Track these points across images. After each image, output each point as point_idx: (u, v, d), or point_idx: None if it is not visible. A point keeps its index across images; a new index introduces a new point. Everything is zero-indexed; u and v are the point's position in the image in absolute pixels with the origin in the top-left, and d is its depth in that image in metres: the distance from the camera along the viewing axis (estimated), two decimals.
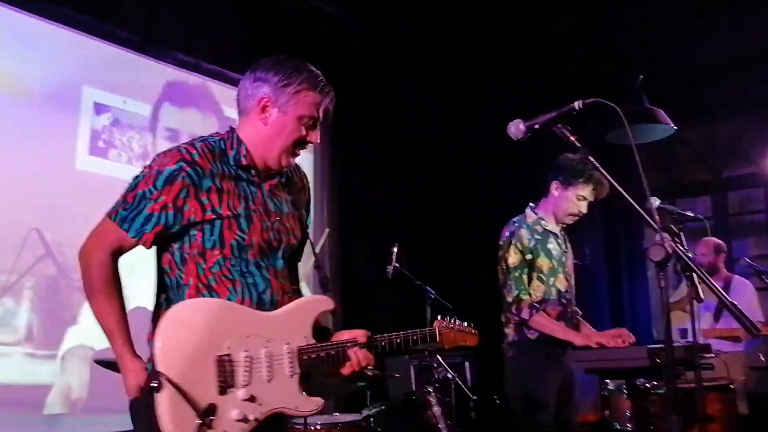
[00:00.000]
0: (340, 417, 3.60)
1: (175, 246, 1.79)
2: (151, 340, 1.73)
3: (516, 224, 3.17)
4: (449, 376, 3.94)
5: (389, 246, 4.04)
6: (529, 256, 3.11)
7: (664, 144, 5.01)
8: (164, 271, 1.81)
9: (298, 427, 3.27)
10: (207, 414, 1.62)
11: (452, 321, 2.01)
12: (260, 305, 1.79)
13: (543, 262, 3.14)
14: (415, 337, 1.92)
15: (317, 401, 1.82)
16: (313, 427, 3.39)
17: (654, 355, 2.62)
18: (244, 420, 1.67)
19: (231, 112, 3.97)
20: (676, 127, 3.92)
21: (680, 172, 6.34)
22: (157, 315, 1.79)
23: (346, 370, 1.85)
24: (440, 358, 3.96)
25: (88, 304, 1.77)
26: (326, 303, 1.88)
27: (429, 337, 1.95)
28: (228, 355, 1.69)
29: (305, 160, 5.26)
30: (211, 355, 1.68)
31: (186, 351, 1.67)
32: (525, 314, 3.06)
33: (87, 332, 3.87)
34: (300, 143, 1.86)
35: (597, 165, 1.97)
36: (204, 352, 1.68)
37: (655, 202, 2.36)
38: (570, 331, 3.05)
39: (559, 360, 3.10)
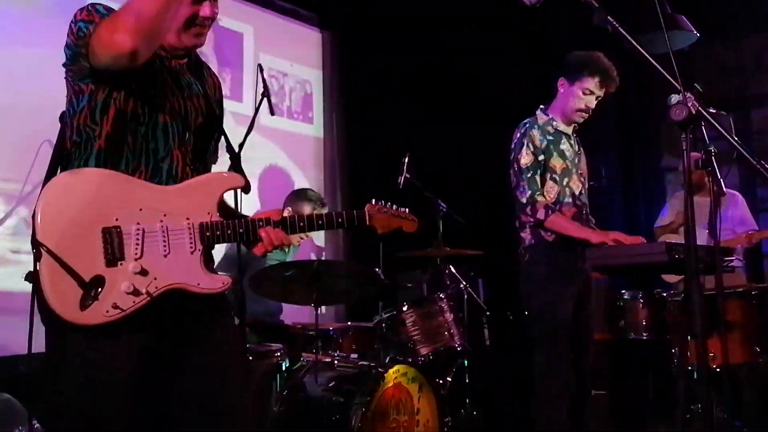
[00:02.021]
0: (352, 323, 3.57)
1: (85, 102, 1.70)
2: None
3: (527, 125, 3.08)
4: (462, 286, 3.87)
5: (400, 157, 3.92)
6: (541, 157, 3.02)
7: (686, 56, 4.78)
8: (68, 138, 1.72)
9: (311, 332, 3.23)
10: (93, 285, 1.56)
11: (386, 205, 1.91)
12: (156, 173, 1.71)
13: (556, 162, 3.05)
14: (340, 219, 1.84)
15: (223, 279, 1.73)
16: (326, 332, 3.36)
17: (672, 251, 2.51)
18: (135, 293, 1.60)
19: None
20: (698, 34, 3.73)
21: (702, 86, 6.09)
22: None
23: (258, 249, 1.79)
24: (453, 269, 3.89)
25: None
26: (234, 179, 1.79)
27: (357, 220, 1.86)
28: (116, 227, 1.63)
29: (313, 74, 5.14)
30: (97, 226, 1.62)
31: (69, 221, 1.60)
32: (540, 215, 2.96)
33: None
34: (191, 20, 1.77)
35: (616, 26, 1.80)
36: (89, 223, 1.62)
37: (673, 98, 2.21)
38: (586, 229, 2.96)
39: (575, 264, 3.01)
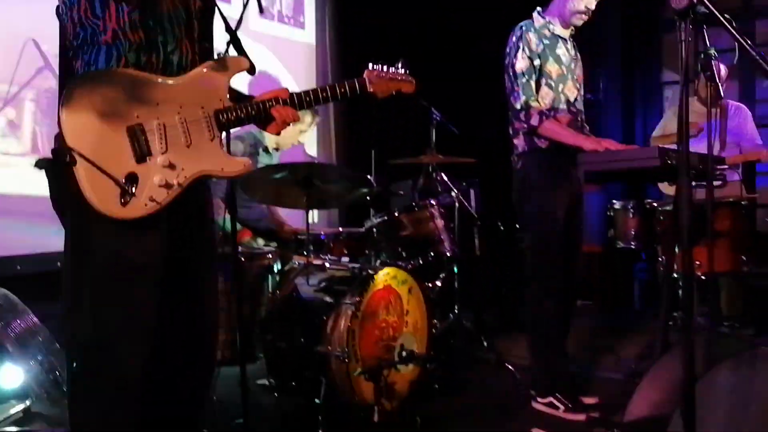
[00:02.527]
0: (344, 229, 3.59)
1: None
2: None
3: (523, 28, 3.01)
4: (453, 194, 3.89)
5: (393, 63, 3.83)
6: (537, 61, 2.97)
7: None
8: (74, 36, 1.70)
9: (302, 237, 3.26)
10: (128, 183, 1.62)
11: (383, 69, 1.94)
12: (167, 66, 1.73)
13: (552, 67, 3.00)
14: (343, 90, 1.88)
15: (244, 161, 1.81)
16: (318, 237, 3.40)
17: (665, 156, 2.50)
18: (167, 185, 1.67)
19: None
20: None
21: None
22: (62, 87, 1.71)
23: (273, 129, 1.86)
24: (444, 177, 3.89)
25: None
26: (240, 63, 1.82)
27: (359, 88, 1.91)
28: (139, 124, 1.67)
29: None
30: (121, 125, 1.66)
31: (94, 124, 1.63)
32: (534, 121, 2.94)
33: None
34: None
35: None
36: (113, 123, 1.65)
37: None
38: (580, 136, 2.94)
39: (569, 172, 3.01)
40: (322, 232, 3.46)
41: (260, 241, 3.69)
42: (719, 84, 2.51)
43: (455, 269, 3.92)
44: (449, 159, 3.73)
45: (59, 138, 1.63)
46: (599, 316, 5.27)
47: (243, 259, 3.02)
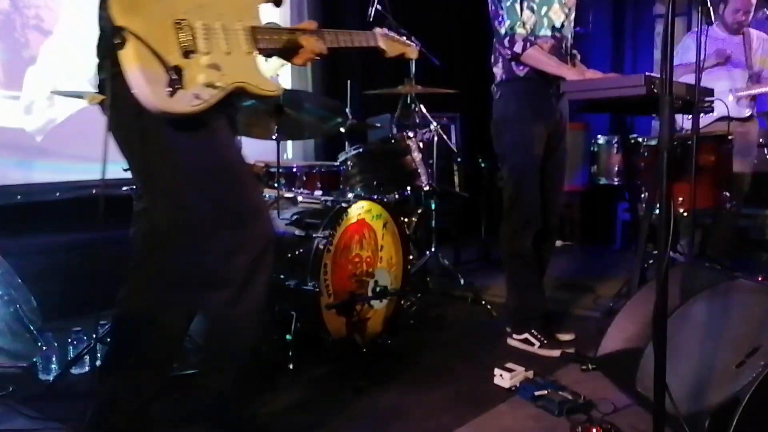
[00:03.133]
0: (317, 162, 3.54)
1: None
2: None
3: None
4: (432, 128, 3.83)
5: None
6: None
7: None
8: None
9: (273, 170, 3.20)
10: (176, 73, 1.62)
11: (391, 31, 2.10)
12: None
13: None
14: (360, 38, 2.02)
15: (276, 84, 1.86)
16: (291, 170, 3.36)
17: (651, 83, 2.46)
18: (212, 86, 1.68)
19: None
20: None
21: None
22: None
23: (300, 58, 1.93)
24: (423, 109, 3.82)
25: None
26: None
27: (372, 39, 2.07)
28: (185, 20, 1.68)
29: None
30: (169, 18, 1.67)
31: (143, 10, 1.64)
32: (518, 48, 2.87)
33: (48, 72, 3.76)
34: None
35: None
36: (161, 14, 1.66)
37: None
38: (563, 66, 2.88)
39: (550, 102, 2.97)
40: (294, 165, 3.39)
41: None
42: (710, 8, 2.45)
43: (432, 205, 3.91)
44: (429, 89, 3.65)
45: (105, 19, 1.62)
46: (579, 256, 5.33)
47: None
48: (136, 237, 2.13)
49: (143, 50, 1.59)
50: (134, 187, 2.66)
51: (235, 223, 1.73)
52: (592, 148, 4.06)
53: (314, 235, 2.75)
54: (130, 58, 1.59)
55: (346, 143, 3.70)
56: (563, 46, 3.00)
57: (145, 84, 1.59)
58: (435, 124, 3.85)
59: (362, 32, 2.02)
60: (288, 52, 1.91)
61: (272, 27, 1.87)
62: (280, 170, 3.17)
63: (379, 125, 4.05)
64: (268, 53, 1.89)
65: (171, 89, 1.61)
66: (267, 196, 3.09)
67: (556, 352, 2.93)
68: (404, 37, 2.22)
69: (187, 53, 1.67)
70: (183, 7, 1.68)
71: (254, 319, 1.79)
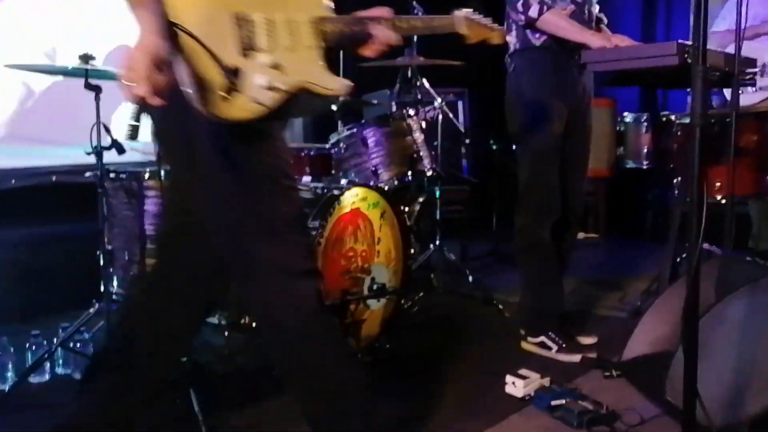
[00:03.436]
0: (307, 144, 3.54)
1: None
2: None
3: None
4: (436, 105, 3.82)
5: None
6: None
7: None
8: None
9: None
10: (233, 74, 1.61)
11: (474, 13, 1.97)
12: None
13: None
14: (436, 23, 1.91)
15: (344, 81, 1.82)
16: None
17: (684, 52, 2.44)
18: (271, 87, 1.66)
19: None
20: None
21: None
22: None
23: (369, 50, 1.87)
24: (427, 84, 3.82)
25: None
26: None
27: (453, 24, 1.93)
28: (244, 12, 1.68)
29: None
30: (226, 10, 1.66)
31: (199, 4, 1.63)
32: (533, 12, 2.85)
33: None
34: None
35: None
36: (218, 6, 1.65)
37: None
38: (587, 31, 2.86)
39: (571, 74, 2.95)
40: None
41: None
42: None
43: (437, 192, 3.90)
44: (433, 61, 3.64)
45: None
46: (604, 249, 5.33)
47: None
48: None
49: (197, 49, 1.58)
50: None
51: (273, 239, 1.74)
52: (618, 128, 4.07)
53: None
54: (183, 58, 1.59)
55: (339, 123, 3.70)
56: (586, 11, 2.98)
57: (198, 87, 1.58)
58: (440, 100, 3.84)
59: (441, 17, 1.91)
60: (355, 42, 1.88)
61: (339, 17, 1.84)
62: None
63: (376, 102, 4.06)
64: (333, 46, 1.86)
65: (227, 93, 1.60)
66: None
67: (576, 357, 2.93)
68: (488, 19, 2.07)
69: (246, 51, 1.66)
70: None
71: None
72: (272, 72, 1.67)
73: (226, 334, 2.92)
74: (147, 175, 2.89)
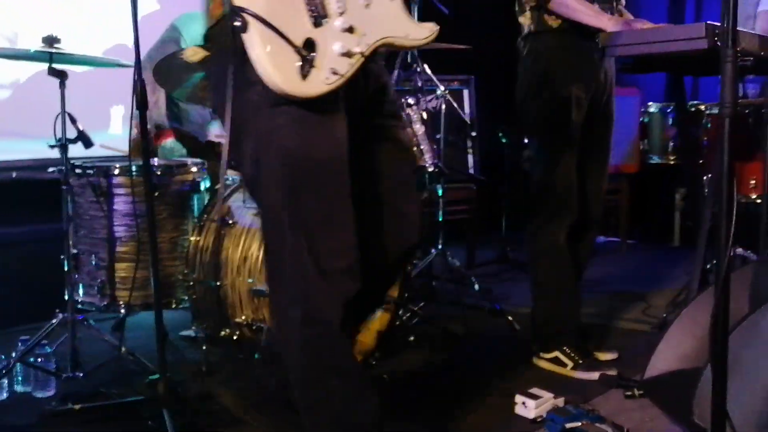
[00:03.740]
0: None
1: None
2: None
3: None
4: (439, 93, 3.85)
5: None
6: None
7: None
8: None
9: None
10: (307, 50, 1.68)
11: None
12: None
13: None
14: None
15: (431, 27, 1.88)
16: None
17: (714, 34, 2.46)
18: (349, 54, 1.74)
19: None
20: None
21: None
22: None
23: None
24: (428, 70, 3.84)
25: None
26: None
27: None
28: None
29: None
30: None
31: None
32: None
33: None
34: None
35: None
36: None
37: None
38: (603, 15, 2.88)
39: (591, 58, 2.97)
40: None
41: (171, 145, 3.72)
42: None
43: (439, 191, 3.92)
44: (435, 45, 3.65)
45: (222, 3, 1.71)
46: (626, 255, 5.35)
47: (159, 173, 2.98)
48: None
49: (268, 32, 1.64)
50: None
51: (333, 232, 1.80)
52: (643, 119, 4.08)
53: None
54: (254, 42, 1.64)
55: None
56: None
57: (274, 69, 1.65)
58: (443, 89, 3.86)
59: None
60: None
61: None
62: None
63: None
64: None
65: (304, 70, 1.67)
66: (230, 178, 3.10)
67: (594, 375, 2.94)
68: None
69: (317, 21, 1.72)
70: None
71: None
72: (347, 36, 1.74)
73: (204, 348, 2.93)
74: (117, 171, 2.90)
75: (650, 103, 4.03)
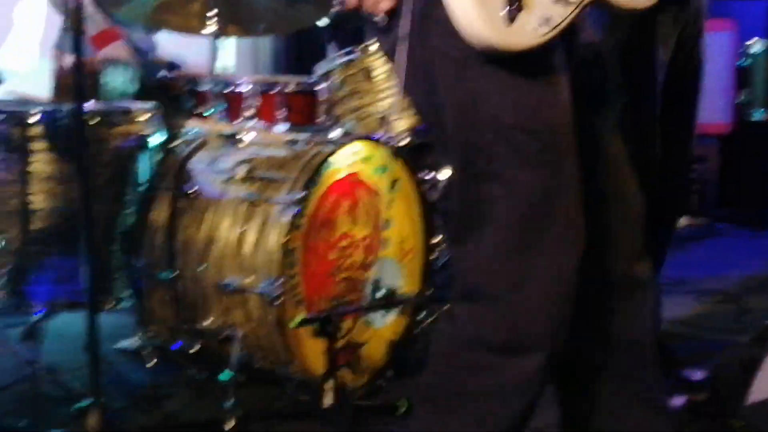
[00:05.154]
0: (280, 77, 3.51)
1: None
2: None
3: None
4: None
5: None
6: None
7: None
8: None
9: (204, 88, 3.20)
10: None
11: None
12: None
13: None
14: None
15: None
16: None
17: None
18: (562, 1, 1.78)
19: None
20: None
21: None
22: None
23: None
24: None
25: None
26: None
27: None
28: None
29: None
30: None
31: None
32: None
33: None
34: None
35: None
36: None
37: None
38: None
39: None
40: (242, 80, 3.48)
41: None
42: None
43: None
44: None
45: None
46: (716, 243, 5.38)
47: (93, 120, 2.92)
48: None
49: None
50: None
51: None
52: (741, 62, 3.99)
53: (273, 200, 2.78)
54: None
55: (330, 45, 3.77)
56: None
57: (474, 9, 1.66)
58: None
59: None
60: None
61: None
62: (217, 88, 3.24)
63: (378, 20, 4.03)
64: None
65: (510, 13, 1.69)
66: (194, 130, 3.13)
67: (679, 400, 2.90)
68: None
69: None
70: None
71: None
72: None
73: (152, 364, 2.95)
74: (34, 119, 2.85)
75: (754, 40, 3.93)
